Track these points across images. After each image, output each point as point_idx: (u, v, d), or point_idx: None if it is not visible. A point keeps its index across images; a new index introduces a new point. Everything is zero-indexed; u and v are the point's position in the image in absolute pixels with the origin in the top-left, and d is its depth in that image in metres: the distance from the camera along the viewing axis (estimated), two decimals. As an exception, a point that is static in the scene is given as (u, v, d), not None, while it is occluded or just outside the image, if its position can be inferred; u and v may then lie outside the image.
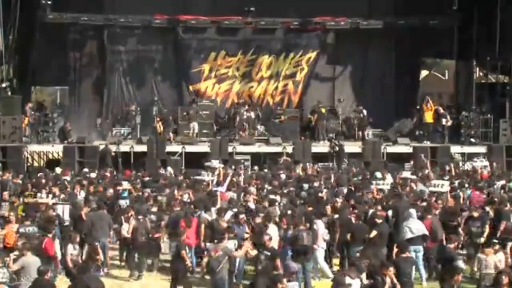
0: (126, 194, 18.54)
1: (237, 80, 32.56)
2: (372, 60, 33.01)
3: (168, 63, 32.27)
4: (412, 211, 15.20)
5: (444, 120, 29.84)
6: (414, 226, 14.59)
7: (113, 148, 27.88)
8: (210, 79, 32.37)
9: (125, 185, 19.28)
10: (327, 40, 32.83)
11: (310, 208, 16.19)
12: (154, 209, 16.70)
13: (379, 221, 14.95)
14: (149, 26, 31.44)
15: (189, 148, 28.18)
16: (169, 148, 28.08)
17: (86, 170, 24.11)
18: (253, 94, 32.30)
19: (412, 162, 27.22)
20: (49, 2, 29.04)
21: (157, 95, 31.21)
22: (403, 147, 29.14)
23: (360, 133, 30.56)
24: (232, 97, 32.34)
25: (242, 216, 14.91)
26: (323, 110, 30.59)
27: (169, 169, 24.95)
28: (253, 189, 18.71)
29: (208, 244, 14.23)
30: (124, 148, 28.13)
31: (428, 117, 30.11)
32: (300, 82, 32.72)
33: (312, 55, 32.60)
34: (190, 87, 31.98)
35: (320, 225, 14.81)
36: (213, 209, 15.97)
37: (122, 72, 32.08)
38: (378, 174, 21.50)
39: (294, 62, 32.59)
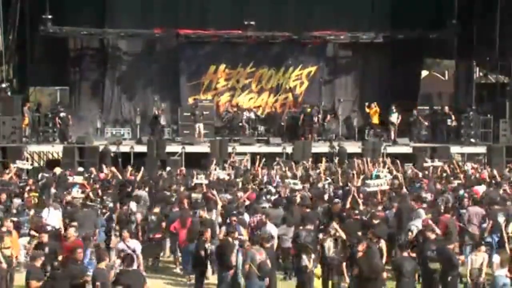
0: (76, 188, 18.42)
1: (237, 92, 32.56)
2: (372, 63, 33.02)
3: (168, 75, 32.27)
4: (421, 211, 15.31)
5: (449, 121, 29.92)
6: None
7: (113, 148, 27.90)
8: (210, 91, 32.39)
9: (77, 179, 19.22)
10: (327, 54, 32.96)
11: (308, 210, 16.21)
12: (156, 209, 16.67)
13: (375, 221, 14.94)
14: (149, 40, 31.56)
15: (189, 149, 28.20)
16: (169, 148, 28.10)
17: (81, 169, 24.04)
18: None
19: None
20: (50, 16, 28.99)
21: (157, 101, 31.04)
22: (403, 147, 29.17)
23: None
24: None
25: (234, 218, 14.88)
26: (309, 110, 30.57)
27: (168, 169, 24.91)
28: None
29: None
30: (124, 148, 28.15)
31: (375, 118, 30.73)
32: (300, 95, 32.73)
33: (312, 69, 32.65)
34: (190, 99, 31.94)
35: None
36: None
37: (121, 84, 32.18)
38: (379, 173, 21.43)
39: (294, 76, 32.63)
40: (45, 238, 13.52)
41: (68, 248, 13.04)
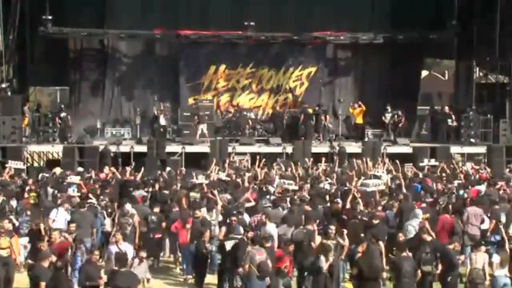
0: (73, 187, 18.42)
1: (237, 92, 32.56)
2: (372, 63, 32.99)
3: (168, 76, 32.23)
4: (418, 211, 15.30)
5: (449, 121, 29.95)
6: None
7: (113, 148, 27.91)
8: (210, 91, 32.39)
9: (74, 179, 19.25)
10: (327, 54, 32.96)
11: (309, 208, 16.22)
12: (156, 209, 16.65)
13: (375, 221, 14.94)
14: (149, 40, 31.56)
15: (189, 149, 28.20)
16: (169, 148, 28.11)
17: (81, 169, 24.08)
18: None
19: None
20: (50, 17, 28.97)
21: (156, 102, 31.00)
22: (403, 147, 29.18)
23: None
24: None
25: (234, 218, 14.86)
26: (310, 111, 30.61)
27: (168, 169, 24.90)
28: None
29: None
30: (124, 148, 28.16)
31: (359, 118, 30.75)
32: (300, 96, 32.74)
33: (312, 69, 32.65)
34: (190, 100, 31.93)
35: None
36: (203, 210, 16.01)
37: (121, 84, 32.14)
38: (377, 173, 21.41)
39: (294, 76, 32.61)
40: (44, 246, 13.12)
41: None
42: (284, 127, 30.95)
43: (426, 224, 14.24)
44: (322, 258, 12.78)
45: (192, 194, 18.14)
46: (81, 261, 13.82)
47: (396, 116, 30.52)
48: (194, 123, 29.77)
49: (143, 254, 13.32)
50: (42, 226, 14.55)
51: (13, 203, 17.31)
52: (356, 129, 31.41)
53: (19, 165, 22.84)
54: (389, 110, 30.53)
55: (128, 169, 21.75)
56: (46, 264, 11.78)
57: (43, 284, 11.42)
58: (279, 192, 18.44)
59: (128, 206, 16.41)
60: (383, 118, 30.64)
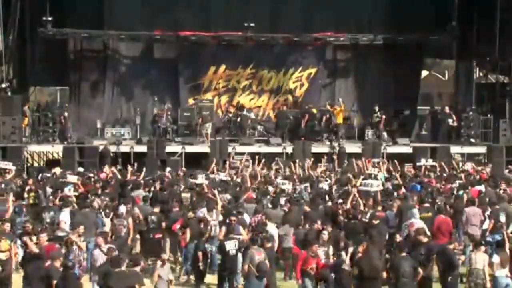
0: (69, 187, 18.38)
1: (237, 93, 32.53)
2: (372, 64, 32.93)
3: (168, 77, 32.18)
4: (415, 211, 15.27)
5: (450, 121, 29.96)
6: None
7: (113, 148, 27.90)
8: (210, 91, 32.36)
9: (71, 178, 19.24)
10: (327, 56, 32.94)
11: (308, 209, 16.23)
12: (156, 209, 16.64)
13: (375, 222, 14.93)
14: (149, 41, 31.54)
15: (189, 149, 28.21)
16: (169, 148, 28.11)
17: (81, 169, 24.10)
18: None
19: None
20: (50, 18, 28.95)
21: (157, 103, 31.01)
22: (403, 147, 29.19)
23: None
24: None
25: (233, 218, 14.82)
26: (315, 111, 30.60)
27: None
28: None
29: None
30: (124, 148, 28.16)
31: (339, 118, 30.56)
32: (300, 97, 32.74)
33: (312, 70, 32.62)
34: (190, 100, 31.92)
35: None
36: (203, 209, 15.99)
37: (121, 84, 32.11)
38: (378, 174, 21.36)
39: (294, 77, 32.58)
40: (31, 247, 13.12)
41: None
42: (287, 127, 30.93)
43: (415, 226, 14.17)
44: (343, 253, 12.76)
45: (184, 195, 18.18)
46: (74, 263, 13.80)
47: (377, 116, 30.54)
48: (200, 123, 29.78)
49: (165, 256, 13.17)
50: (31, 226, 14.46)
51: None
52: (336, 128, 30.86)
53: (8, 165, 22.76)
54: (376, 110, 30.59)
55: (129, 169, 21.76)
56: (58, 264, 11.83)
57: (54, 282, 11.46)
58: (274, 192, 18.46)
59: (122, 208, 16.38)
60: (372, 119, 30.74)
